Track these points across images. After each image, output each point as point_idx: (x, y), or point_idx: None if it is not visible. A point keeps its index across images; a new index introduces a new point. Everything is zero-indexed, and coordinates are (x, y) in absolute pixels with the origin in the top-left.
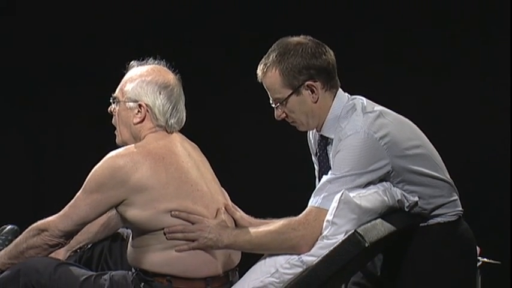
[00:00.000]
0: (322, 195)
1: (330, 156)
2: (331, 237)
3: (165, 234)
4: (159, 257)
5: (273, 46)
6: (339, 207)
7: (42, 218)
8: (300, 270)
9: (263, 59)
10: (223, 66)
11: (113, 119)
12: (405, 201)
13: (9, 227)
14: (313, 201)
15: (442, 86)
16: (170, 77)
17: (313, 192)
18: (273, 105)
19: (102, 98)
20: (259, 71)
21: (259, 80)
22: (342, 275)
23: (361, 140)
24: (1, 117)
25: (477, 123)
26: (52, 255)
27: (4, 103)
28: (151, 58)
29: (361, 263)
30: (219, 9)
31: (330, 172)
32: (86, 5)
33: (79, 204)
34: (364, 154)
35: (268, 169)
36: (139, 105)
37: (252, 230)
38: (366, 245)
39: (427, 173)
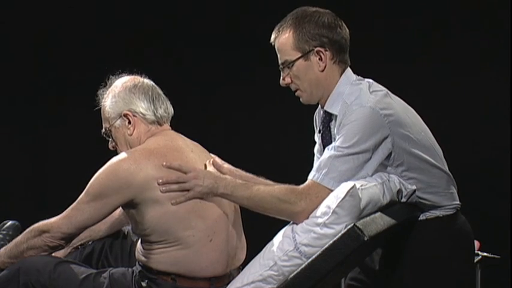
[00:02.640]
0: (323, 172)
1: (333, 132)
2: (329, 225)
3: (158, 184)
4: (166, 256)
5: (291, 12)
6: (344, 198)
7: (41, 213)
8: (297, 261)
9: (279, 23)
10: (221, 66)
11: (117, 150)
12: (403, 190)
13: (10, 222)
14: (315, 176)
15: (441, 85)
16: (132, 77)
17: (315, 166)
18: (280, 68)
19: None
20: (273, 33)
21: (272, 42)
22: (341, 269)
23: (365, 114)
24: (2, 115)
25: (477, 119)
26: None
27: (4, 102)
28: (111, 77)
29: (360, 257)
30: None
31: (331, 146)
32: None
33: (82, 207)
34: (368, 129)
35: (270, 167)
36: (125, 115)
37: (253, 187)
38: (365, 239)
39: (427, 159)
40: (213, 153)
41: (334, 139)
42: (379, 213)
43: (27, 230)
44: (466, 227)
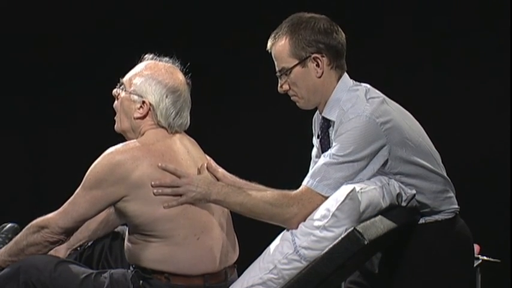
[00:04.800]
0: (317, 179)
1: (331, 138)
2: (328, 228)
3: (152, 186)
4: (155, 254)
5: (286, 19)
6: (344, 201)
7: (41, 215)
8: (297, 264)
9: (275, 30)
10: (224, 66)
11: (115, 103)
12: (403, 194)
13: (9, 225)
14: (309, 183)
15: (442, 85)
16: (180, 81)
17: (310, 173)
18: (278, 75)
19: (103, 96)
20: (269, 40)
21: (268, 49)
22: (342, 272)
23: (362, 123)
24: (0, 115)
25: (477, 121)
26: (52, 252)
27: (3, 102)
28: (167, 57)
29: (360, 260)
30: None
31: (327, 154)
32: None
33: (78, 201)
34: (364, 138)
35: (267, 169)
36: (143, 102)
37: (245, 193)
38: (365, 242)
39: (425, 165)
40: (208, 154)
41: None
42: (379, 217)
43: (26, 227)
44: (465, 230)
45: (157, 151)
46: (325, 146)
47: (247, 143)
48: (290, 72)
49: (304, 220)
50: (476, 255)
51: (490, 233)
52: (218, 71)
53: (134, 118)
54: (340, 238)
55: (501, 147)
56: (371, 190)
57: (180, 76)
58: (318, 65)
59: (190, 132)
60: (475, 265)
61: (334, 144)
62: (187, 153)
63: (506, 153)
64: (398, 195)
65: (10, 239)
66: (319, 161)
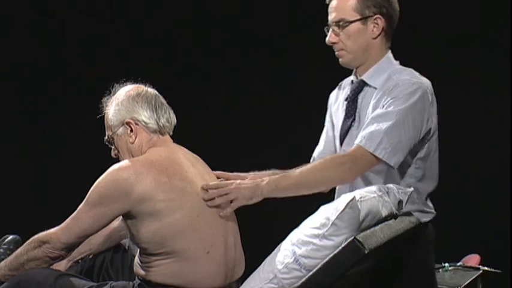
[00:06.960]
0: (377, 142)
1: (359, 103)
2: (328, 237)
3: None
4: (163, 269)
5: None
6: (344, 210)
7: (43, 228)
8: (297, 273)
9: None
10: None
11: (120, 158)
12: (402, 198)
13: (11, 236)
14: (367, 145)
15: (442, 88)
16: (135, 86)
17: (366, 136)
18: (330, 26)
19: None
20: None
21: (327, 1)
22: (342, 282)
23: (417, 87)
24: (1, 122)
25: (477, 124)
26: (53, 265)
27: (5, 110)
28: (115, 85)
29: (360, 270)
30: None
31: (381, 112)
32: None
33: (81, 216)
34: (419, 101)
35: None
36: (127, 123)
37: (292, 174)
38: (366, 252)
39: (437, 157)
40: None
41: (359, 111)
42: (378, 226)
43: (27, 241)
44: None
45: (160, 165)
46: (350, 109)
47: (251, 154)
48: (348, 25)
49: (360, 174)
50: (477, 266)
51: (491, 244)
52: (223, 83)
53: (131, 143)
54: (340, 247)
55: (501, 158)
56: (370, 199)
57: (136, 86)
58: (375, 27)
59: (194, 148)
60: (476, 275)
61: (387, 100)
62: (191, 166)
63: (507, 164)
64: (400, 202)
65: (12, 251)
66: (372, 126)
